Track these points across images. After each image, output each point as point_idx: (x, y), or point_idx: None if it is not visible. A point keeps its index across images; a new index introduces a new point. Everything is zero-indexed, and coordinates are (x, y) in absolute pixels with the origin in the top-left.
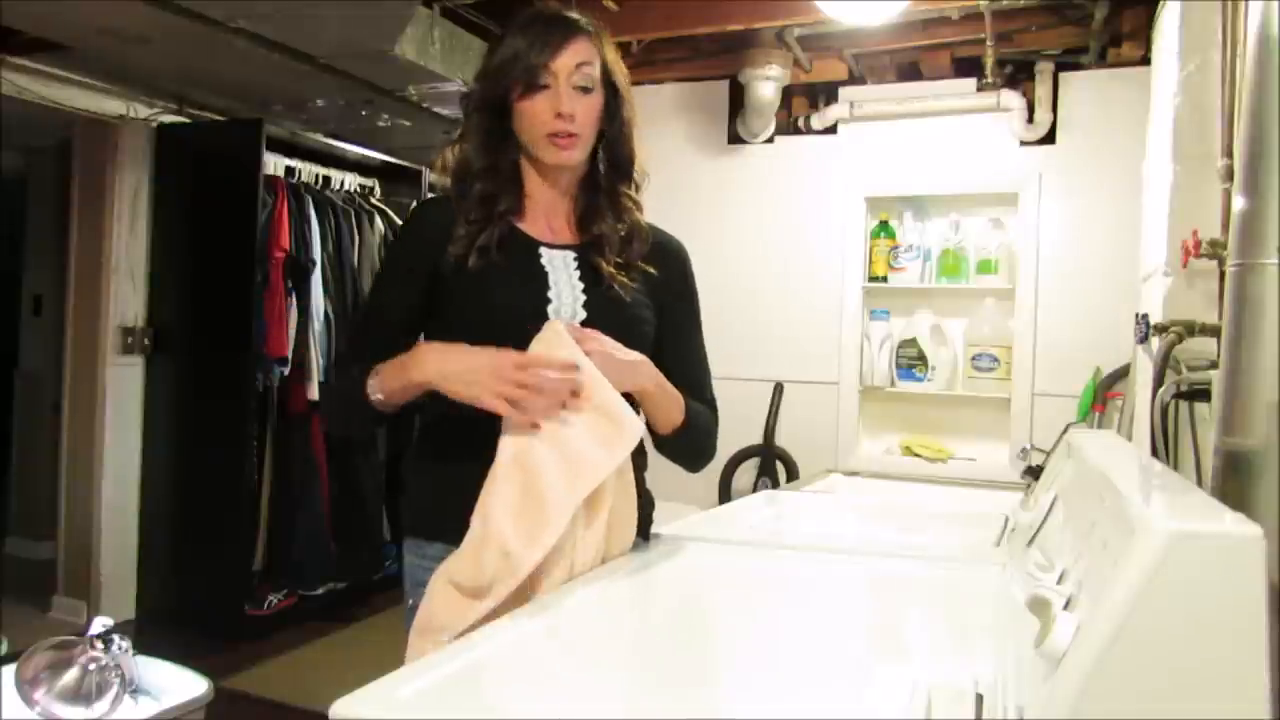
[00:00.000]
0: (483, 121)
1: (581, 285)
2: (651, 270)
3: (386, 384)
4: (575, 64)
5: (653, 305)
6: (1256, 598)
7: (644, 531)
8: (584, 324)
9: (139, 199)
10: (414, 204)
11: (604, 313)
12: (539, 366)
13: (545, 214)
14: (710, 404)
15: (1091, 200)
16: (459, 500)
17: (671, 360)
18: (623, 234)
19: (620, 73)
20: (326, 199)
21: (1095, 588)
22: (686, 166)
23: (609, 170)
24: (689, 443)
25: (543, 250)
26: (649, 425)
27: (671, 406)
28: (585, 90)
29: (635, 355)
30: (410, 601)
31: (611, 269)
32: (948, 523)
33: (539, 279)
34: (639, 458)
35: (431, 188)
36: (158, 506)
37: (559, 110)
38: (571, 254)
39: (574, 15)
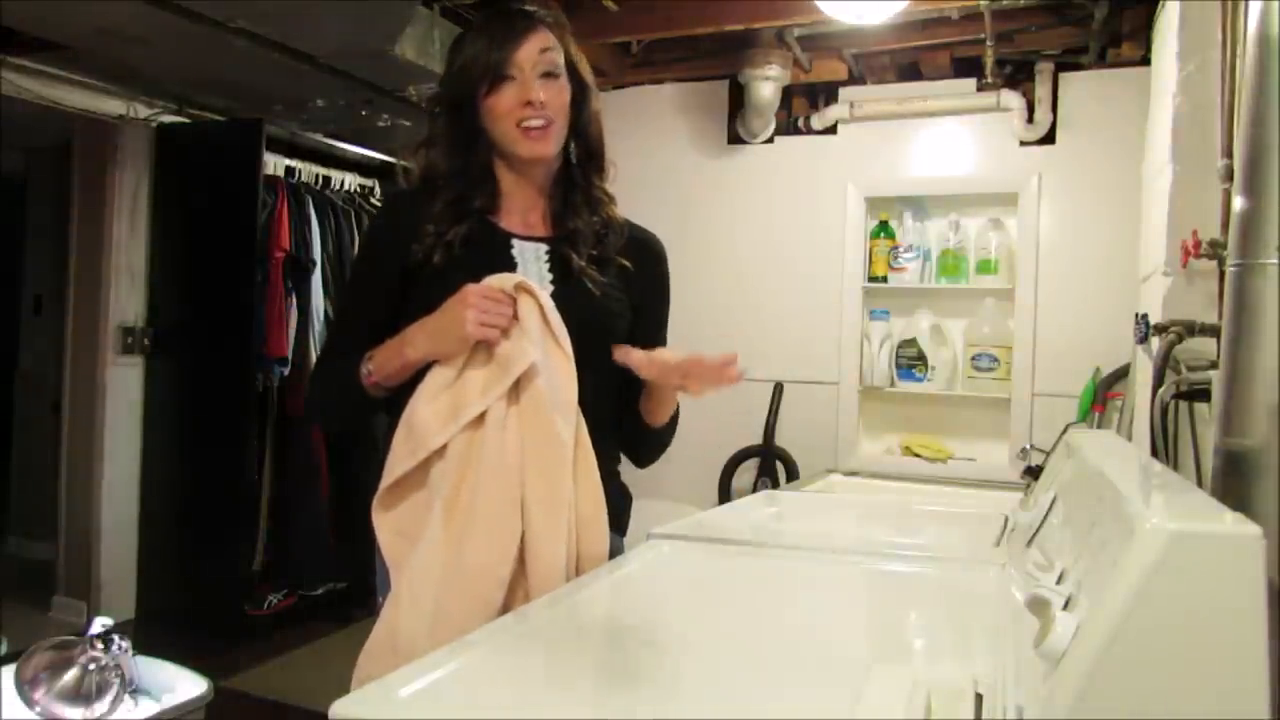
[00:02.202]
0: (450, 124)
1: (551, 276)
2: (628, 265)
3: (383, 367)
4: (539, 50)
5: (628, 300)
6: (1256, 598)
7: (621, 527)
8: None
9: (139, 199)
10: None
11: (573, 305)
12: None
13: (521, 211)
14: None
15: (1091, 200)
16: None
17: None
18: (598, 229)
19: (584, 65)
20: (326, 199)
21: (1094, 587)
22: (686, 166)
23: (581, 164)
24: (666, 437)
25: (514, 242)
26: (640, 416)
27: (673, 400)
28: (552, 76)
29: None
30: (381, 598)
31: (583, 263)
32: (948, 523)
33: (507, 269)
34: (607, 454)
35: None
36: (158, 506)
37: (527, 98)
38: (544, 246)
39: (532, 8)
